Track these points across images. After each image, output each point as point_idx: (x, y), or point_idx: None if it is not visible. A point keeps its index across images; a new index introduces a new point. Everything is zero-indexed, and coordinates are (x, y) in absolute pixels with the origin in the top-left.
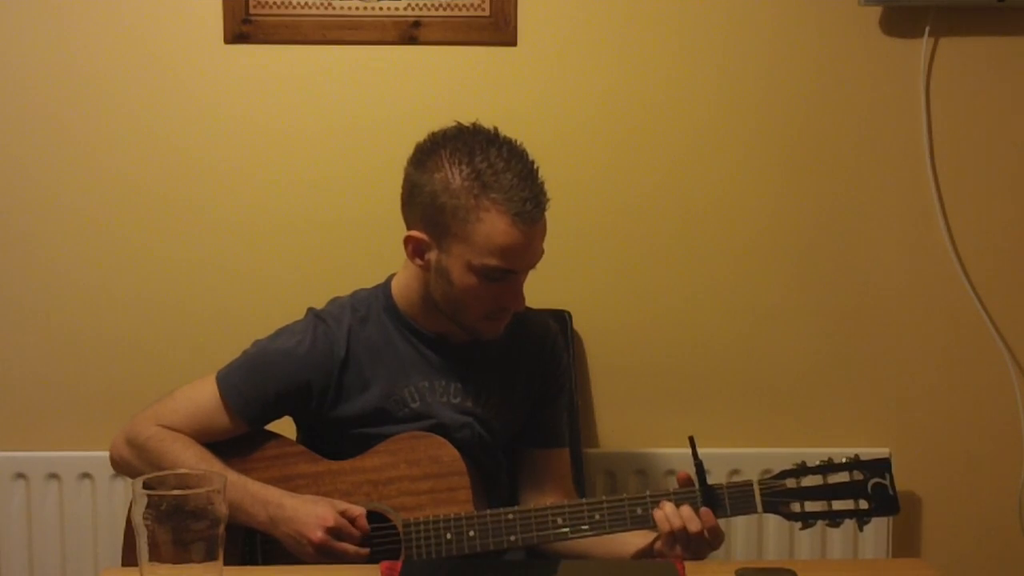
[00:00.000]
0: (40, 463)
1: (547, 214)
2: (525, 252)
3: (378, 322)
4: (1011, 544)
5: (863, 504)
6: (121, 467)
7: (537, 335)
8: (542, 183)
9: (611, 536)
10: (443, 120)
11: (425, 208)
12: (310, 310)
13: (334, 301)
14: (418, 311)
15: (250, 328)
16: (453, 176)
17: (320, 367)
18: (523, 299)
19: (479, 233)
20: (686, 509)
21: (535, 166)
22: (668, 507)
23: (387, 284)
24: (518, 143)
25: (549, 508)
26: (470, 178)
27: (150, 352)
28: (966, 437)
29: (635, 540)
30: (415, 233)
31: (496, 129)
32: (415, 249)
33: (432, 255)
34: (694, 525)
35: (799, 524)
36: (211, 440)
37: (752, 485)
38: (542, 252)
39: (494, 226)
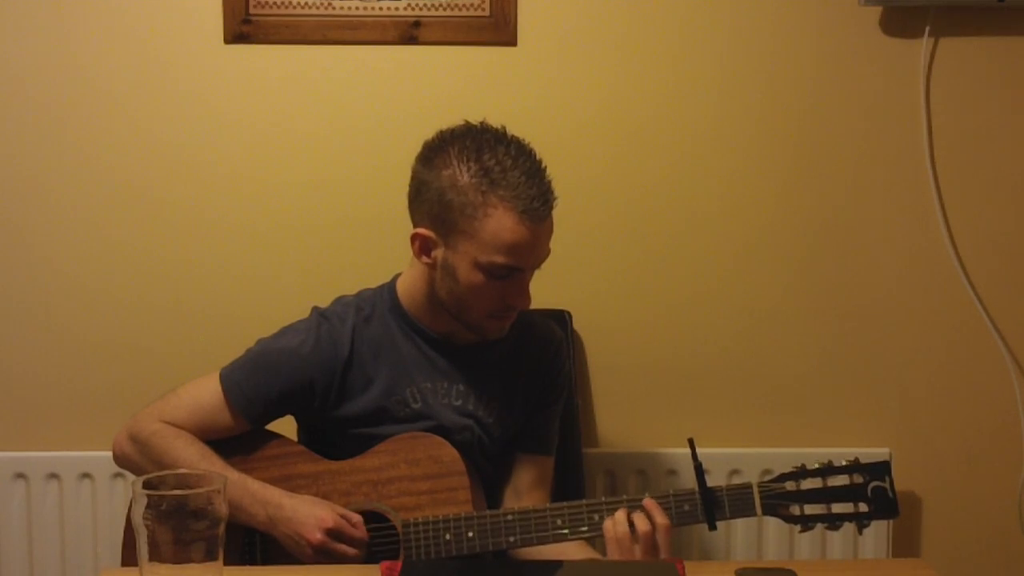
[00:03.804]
0: (40, 463)
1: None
2: (532, 250)
3: (382, 321)
4: (1011, 544)
5: (863, 507)
6: (123, 462)
7: (542, 340)
8: (550, 182)
9: (558, 547)
10: (443, 120)
11: (432, 205)
12: (315, 309)
13: (339, 300)
14: (423, 311)
15: (249, 329)
16: (461, 173)
17: (323, 366)
18: (529, 298)
19: (486, 230)
20: (636, 514)
21: (543, 165)
22: (618, 515)
23: (392, 284)
24: (526, 142)
25: (548, 509)
26: (478, 175)
27: (150, 352)
28: (966, 437)
29: (576, 554)
30: (422, 230)
31: (504, 128)
32: (422, 246)
33: (439, 252)
34: (643, 525)
35: (799, 527)
36: (213, 438)
37: (751, 488)
38: (548, 251)
39: (501, 223)
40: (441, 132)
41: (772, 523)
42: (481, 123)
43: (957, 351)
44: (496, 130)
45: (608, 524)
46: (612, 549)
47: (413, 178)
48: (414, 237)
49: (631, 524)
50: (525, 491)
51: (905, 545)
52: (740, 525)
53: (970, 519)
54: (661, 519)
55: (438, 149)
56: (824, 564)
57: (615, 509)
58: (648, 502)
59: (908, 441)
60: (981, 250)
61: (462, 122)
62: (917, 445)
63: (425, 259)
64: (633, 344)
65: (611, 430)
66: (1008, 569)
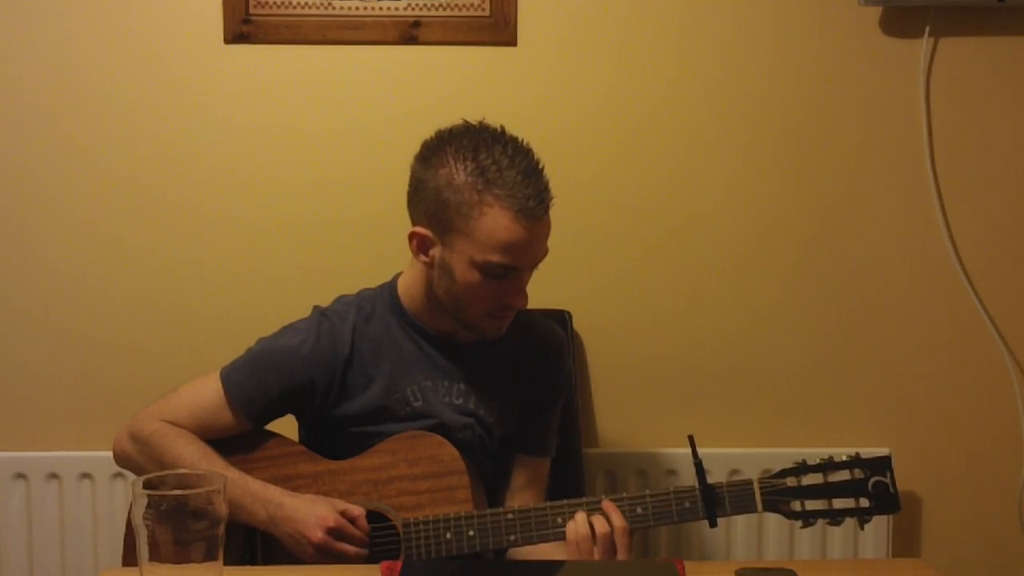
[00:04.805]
0: (40, 463)
1: (549, 214)
2: (528, 249)
3: (383, 320)
4: (1011, 544)
5: (864, 502)
6: (124, 462)
7: (543, 340)
8: (547, 181)
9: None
10: (443, 120)
11: (429, 204)
12: (316, 308)
13: (340, 299)
14: (423, 310)
15: (249, 329)
16: (457, 172)
17: (324, 365)
18: (526, 297)
19: (482, 229)
20: (595, 516)
21: (540, 164)
22: (579, 517)
23: (393, 283)
24: (524, 141)
25: (549, 507)
26: (474, 174)
27: (150, 352)
28: (966, 437)
29: (558, 553)
30: (419, 229)
31: (503, 127)
32: (419, 245)
33: (436, 251)
34: (602, 527)
35: (799, 523)
36: (214, 437)
37: (752, 484)
38: (546, 251)
39: (496, 222)
40: (439, 131)
41: (772, 523)
42: (479, 122)
43: (957, 351)
44: (494, 129)
45: (570, 526)
46: (572, 551)
47: (411, 177)
48: (412, 236)
49: (591, 526)
50: (518, 491)
51: (905, 545)
52: (740, 525)
53: (970, 519)
54: (618, 521)
55: (436, 148)
56: (824, 564)
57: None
58: (606, 504)
59: (908, 441)
60: (981, 250)
61: (460, 121)
62: (917, 445)
63: (423, 258)
64: (633, 344)
65: (611, 430)
66: (1008, 569)
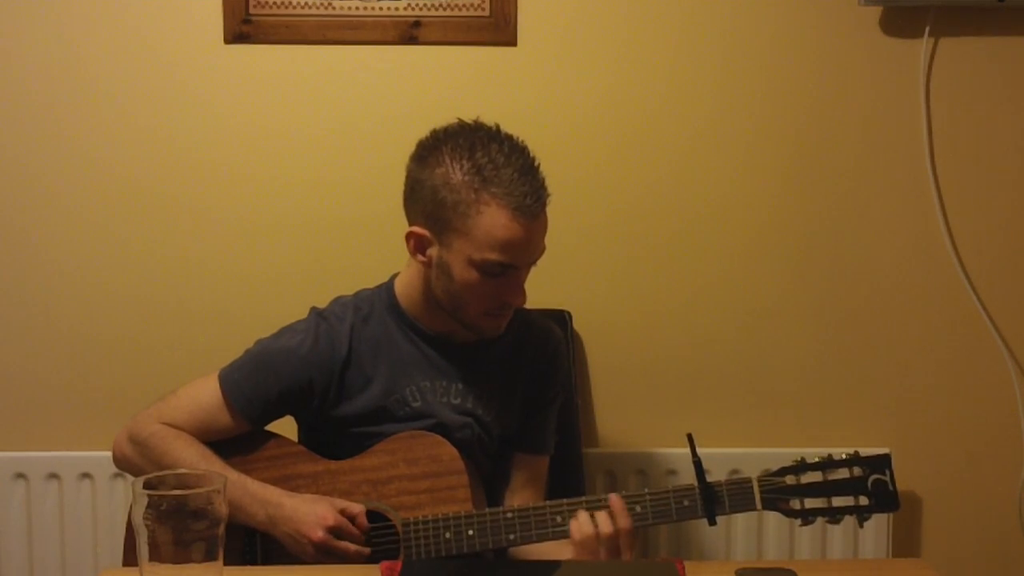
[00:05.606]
0: (40, 463)
1: (548, 213)
2: (525, 247)
3: (381, 321)
4: (1011, 544)
5: (863, 500)
6: (123, 464)
7: (540, 339)
8: (543, 179)
9: (538, 546)
10: (443, 120)
11: (426, 203)
12: (313, 309)
13: (337, 300)
14: (421, 310)
15: (249, 329)
16: (454, 171)
17: (322, 366)
18: (524, 295)
19: (479, 227)
20: (600, 514)
21: (536, 162)
22: (582, 516)
23: (390, 283)
24: (519, 139)
25: (548, 506)
26: (470, 173)
27: (150, 352)
28: (966, 437)
29: (562, 552)
30: (416, 229)
31: (498, 126)
32: (416, 245)
33: (433, 251)
34: (606, 528)
35: (799, 521)
36: (213, 439)
37: (751, 482)
38: (543, 248)
39: (494, 220)
40: (435, 131)
41: (772, 523)
42: (474, 121)
43: (957, 351)
44: (489, 128)
45: (574, 525)
46: (577, 550)
47: (408, 177)
48: (409, 236)
49: (596, 526)
50: (518, 489)
51: (905, 545)
52: (740, 525)
53: (970, 519)
54: (623, 522)
55: (432, 148)
56: (824, 564)
57: None
58: (614, 504)
59: (908, 441)
60: (981, 250)
61: (455, 120)
62: (917, 445)
63: (420, 258)
64: (633, 344)
65: (611, 430)
66: (1008, 569)
